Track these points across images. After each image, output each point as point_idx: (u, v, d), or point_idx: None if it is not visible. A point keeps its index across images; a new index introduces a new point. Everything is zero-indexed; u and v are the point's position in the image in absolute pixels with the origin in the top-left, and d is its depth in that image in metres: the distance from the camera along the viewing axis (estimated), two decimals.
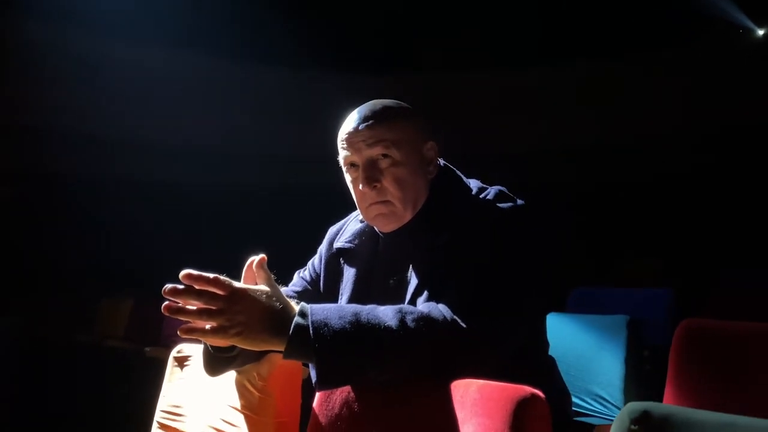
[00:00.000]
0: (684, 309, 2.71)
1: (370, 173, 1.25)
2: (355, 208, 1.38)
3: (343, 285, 1.38)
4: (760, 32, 7.32)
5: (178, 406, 1.42)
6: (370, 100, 1.34)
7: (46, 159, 6.33)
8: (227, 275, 1.06)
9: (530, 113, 7.59)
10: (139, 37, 6.37)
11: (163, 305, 1.03)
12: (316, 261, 1.48)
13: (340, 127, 1.33)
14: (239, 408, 1.27)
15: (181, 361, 1.49)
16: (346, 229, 1.46)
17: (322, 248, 1.48)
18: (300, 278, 1.49)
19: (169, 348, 3.25)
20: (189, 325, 1.04)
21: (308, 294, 1.43)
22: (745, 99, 6.66)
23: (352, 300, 1.33)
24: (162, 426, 1.44)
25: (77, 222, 6.32)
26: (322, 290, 1.42)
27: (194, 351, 1.48)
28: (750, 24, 7.21)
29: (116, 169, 6.84)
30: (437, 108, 7.78)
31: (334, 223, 1.53)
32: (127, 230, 6.24)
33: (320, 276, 1.44)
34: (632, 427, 0.74)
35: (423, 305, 1.13)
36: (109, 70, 6.16)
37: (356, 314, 1.05)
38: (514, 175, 7.24)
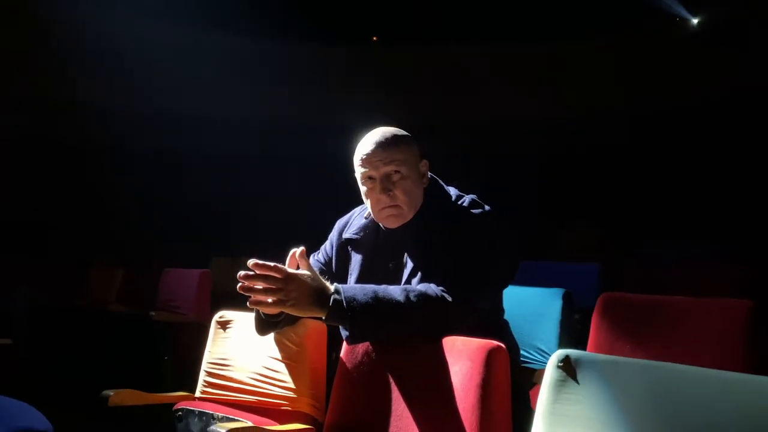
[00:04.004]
0: (610, 278, 3.29)
1: (386, 185, 1.65)
2: (352, 196, 1.78)
3: (352, 267, 1.80)
4: (695, 21, 7.92)
5: (225, 359, 1.85)
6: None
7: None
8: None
9: (476, 87, 8.01)
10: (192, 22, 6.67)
11: (239, 286, 1.44)
12: (328, 247, 1.89)
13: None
14: (280, 359, 1.71)
15: (224, 324, 1.91)
16: (352, 223, 1.87)
17: (333, 237, 1.89)
18: (315, 260, 1.90)
19: (173, 312, 3.64)
20: (255, 298, 1.46)
21: (322, 273, 1.84)
22: (681, 81, 7.25)
23: (359, 279, 1.76)
24: (210, 374, 1.87)
25: (62, 189, 6.51)
26: (334, 271, 1.84)
27: (234, 316, 1.91)
28: (685, 13, 7.79)
29: (104, 138, 6.98)
30: (400, 78, 8.17)
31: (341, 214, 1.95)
32: (115, 199, 6.47)
33: (332, 259, 1.86)
34: (558, 364, 1.21)
35: (420, 285, 1.57)
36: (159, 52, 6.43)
37: (375, 291, 1.49)
38: (469, 144, 7.71)
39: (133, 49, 6.50)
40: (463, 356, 1.37)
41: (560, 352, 1.23)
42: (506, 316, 1.88)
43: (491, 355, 1.33)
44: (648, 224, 6.26)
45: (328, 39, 8.06)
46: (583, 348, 2.04)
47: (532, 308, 2.24)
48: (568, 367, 1.21)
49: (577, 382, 1.20)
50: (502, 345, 1.36)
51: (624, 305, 1.98)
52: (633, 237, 5.71)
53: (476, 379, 1.32)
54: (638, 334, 1.91)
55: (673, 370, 1.15)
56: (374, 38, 9.14)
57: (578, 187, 7.24)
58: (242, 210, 7.08)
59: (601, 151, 7.36)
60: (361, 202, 1.79)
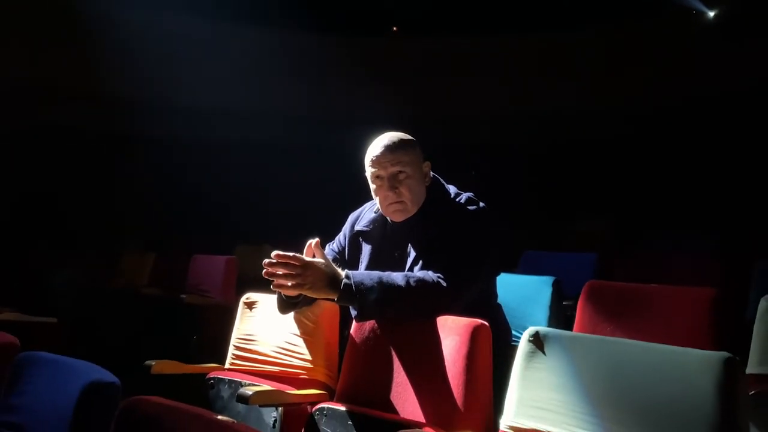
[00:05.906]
0: (606, 268, 3.51)
1: (393, 183, 1.89)
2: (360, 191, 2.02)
3: (362, 256, 2.05)
4: (711, 14, 7.97)
5: (251, 335, 2.11)
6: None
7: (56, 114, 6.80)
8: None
9: (491, 78, 8.16)
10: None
11: (263, 272, 1.70)
12: (341, 237, 2.14)
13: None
14: (299, 334, 1.97)
15: (250, 305, 2.17)
16: (363, 217, 2.12)
17: (346, 229, 2.14)
18: (330, 250, 2.14)
19: (201, 296, 3.93)
20: (277, 282, 1.71)
21: (336, 261, 2.08)
22: (697, 72, 7.33)
23: (369, 266, 2.00)
24: (238, 348, 2.13)
25: (98, 181, 6.86)
26: (347, 259, 2.08)
27: (258, 297, 2.17)
28: (701, 6, 7.85)
29: (139, 132, 7.28)
30: (413, 70, 8.35)
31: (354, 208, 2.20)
32: (147, 190, 6.79)
33: (345, 249, 2.11)
34: (529, 339, 1.45)
35: (419, 272, 1.81)
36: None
37: (380, 277, 1.74)
38: (478, 136, 7.87)
39: (170, 44, 6.75)
40: (452, 332, 1.61)
41: (531, 329, 1.47)
42: (501, 301, 2.11)
43: (476, 331, 1.58)
44: (649, 217, 6.43)
45: (347, 32, 8.26)
46: (571, 330, 2.27)
47: (524, 294, 2.48)
48: (537, 341, 1.45)
49: (544, 353, 1.44)
50: (486, 323, 1.60)
51: (607, 292, 2.21)
52: (636, 229, 5.89)
53: (463, 350, 1.57)
54: (618, 318, 2.14)
55: (622, 344, 1.39)
56: (394, 29, 9.34)
57: (587, 180, 7.39)
58: (265, 201, 7.36)
59: (609, 145, 7.49)
60: (371, 196, 2.03)
